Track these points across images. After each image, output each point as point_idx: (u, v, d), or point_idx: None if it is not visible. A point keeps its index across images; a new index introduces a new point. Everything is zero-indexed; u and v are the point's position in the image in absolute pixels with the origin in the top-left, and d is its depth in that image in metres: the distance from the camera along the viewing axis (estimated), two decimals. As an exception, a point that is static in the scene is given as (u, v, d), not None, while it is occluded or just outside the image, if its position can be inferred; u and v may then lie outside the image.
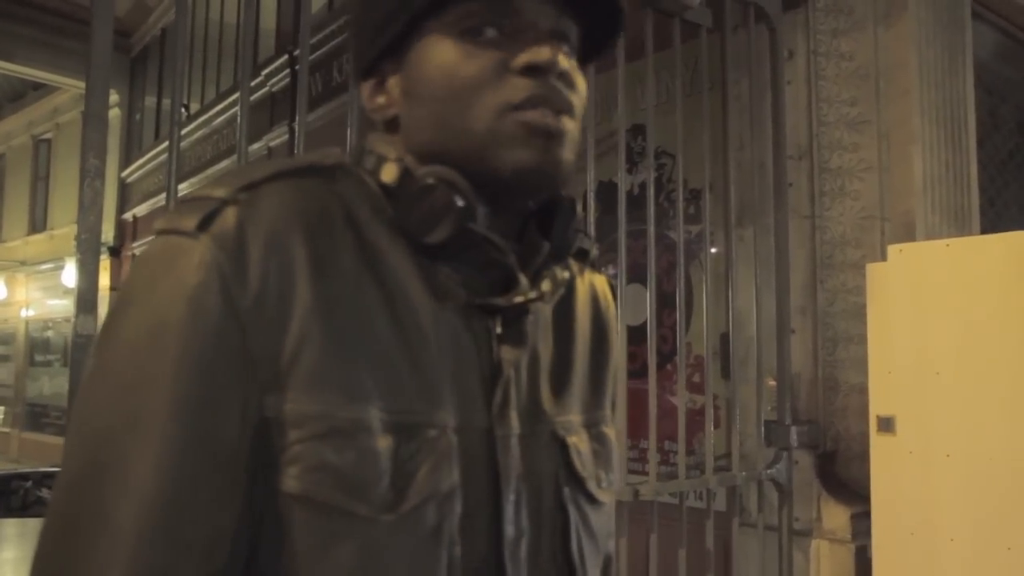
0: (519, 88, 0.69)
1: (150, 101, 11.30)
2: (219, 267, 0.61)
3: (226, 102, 8.50)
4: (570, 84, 0.71)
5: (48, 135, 15.45)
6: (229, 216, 0.63)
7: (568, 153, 0.71)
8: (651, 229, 2.49)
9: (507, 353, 0.71)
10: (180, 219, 0.64)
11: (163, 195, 1.79)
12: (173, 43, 1.91)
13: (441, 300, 0.69)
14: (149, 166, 10.82)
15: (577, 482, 0.75)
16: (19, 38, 10.65)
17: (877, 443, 2.53)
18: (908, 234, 2.99)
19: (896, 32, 3.10)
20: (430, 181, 0.69)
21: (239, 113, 1.91)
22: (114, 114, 11.40)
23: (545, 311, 0.78)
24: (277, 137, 7.33)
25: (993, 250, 2.37)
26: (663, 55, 2.65)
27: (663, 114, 3.08)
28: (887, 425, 2.51)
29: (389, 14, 0.72)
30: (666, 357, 3.51)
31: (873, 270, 2.64)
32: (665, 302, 2.97)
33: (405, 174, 0.70)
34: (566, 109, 0.70)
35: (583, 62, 0.78)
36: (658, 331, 2.62)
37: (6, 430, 15.65)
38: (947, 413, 2.38)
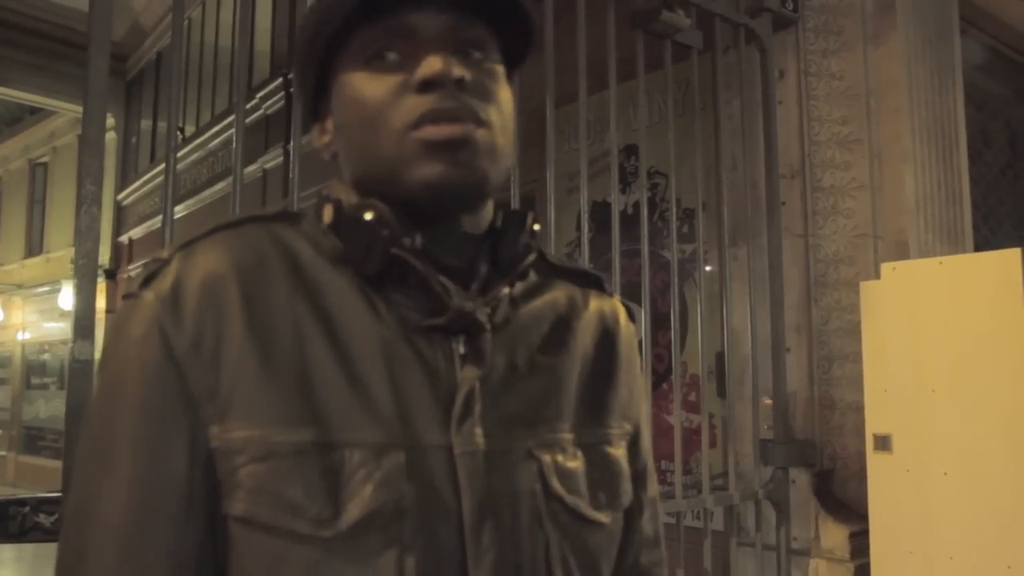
0: (416, 106, 0.70)
1: (146, 124, 11.34)
2: (158, 319, 0.68)
3: (221, 124, 8.53)
4: (478, 91, 0.72)
5: (45, 159, 15.47)
6: (168, 273, 0.70)
7: (481, 159, 0.72)
8: (645, 248, 2.50)
9: (467, 372, 0.72)
10: (132, 283, 0.72)
11: (159, 218, 1.80)
12: (169, 66, 1.92)
13: (388, 326, 0.72)
14: (145, 189, 10.84)
15: (556, 499, 0.74)
16: (14, 62, 10.67)
17: (874, 461, 2.53)
18: (901, 252, 3.00)
19: (885, 51, 3.13)
20: (359, 215, 0.72)
21: (235, 136, 1.92)
22: (110, 137, 11.43)
23: (531, 328, 0.79)
24: (272, 159, 7.36)
25: (987, 267, 2.38)
26: (655, 76, 2.67)
27: (655, 134, 3.10)
28: (884, 443, 2.51)
29: (307, 55, 0.76)
30: (662, 376, 3.51)
31: (867, 288, 2.65)
32: (660, 321, 2.98)
33: (338, 212, 0.74)
34: (470, 117, 0.71)
35: (510, 67, 0.80)
36: (653, 350, 2.62)
37: (2, 453, 15.56)
38: (944, 431, 2.38)
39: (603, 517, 0.77)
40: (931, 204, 3.14)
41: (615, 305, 0.91)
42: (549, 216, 2.27)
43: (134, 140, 11.73)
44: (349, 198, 0.76)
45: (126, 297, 0.72)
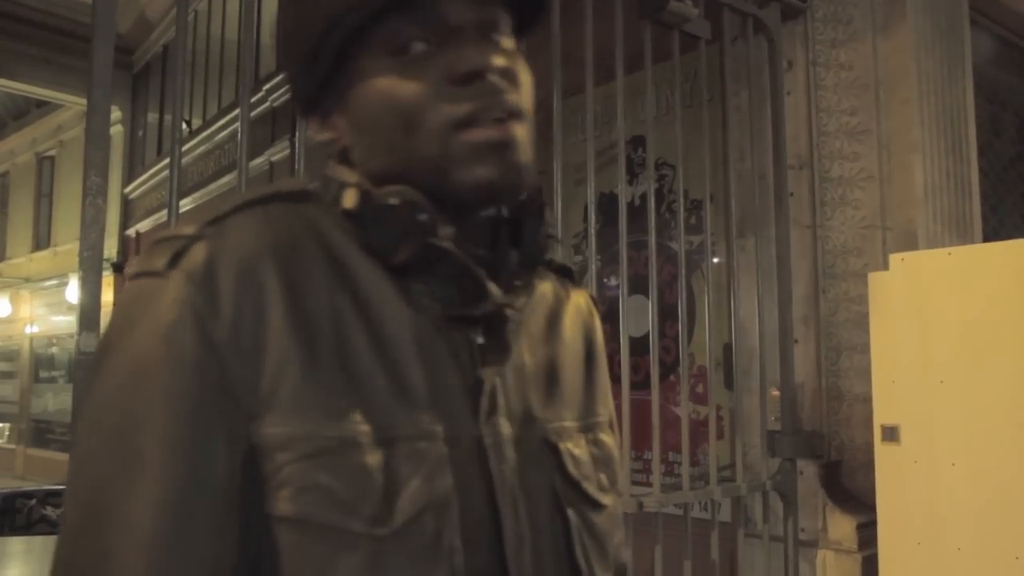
0: (460, 102, 0.68)
1: (152, 117, 11.35)
2: (192, 302, 0.62)
3: (228, 117, 8.53)
4: (511, 79, 0.70)
5: (52, 152, 15.50)
6: (198, 251, 0.64)
7: (523, 157, 0.70)
8: (652, 240, 2.50)
9: (489, 362, 0.72)
10: (150, 260, 0.65)
11: (166, 211, 1.80)
12: (174, 59, 1.92)
13: (419, 314, 0.70)
14: (152, 182, 10.85)
15: (573, 485, 0.75)
16: (21, 56, 10.69)
17: (882, 452, 2.52)
18: (910, 243, 2.99)
19: (895, 42, 3.11)
20: (390, 201, 0.69)
21: (240, 128, 1.92)
22: (117, 131, 11.44)
23: (531, 319, 0.79)
24: (279, 152, 7.36)
25: (995, 258, 2.37)
26: (662, 67, 2.66)
27: (663, 125, 3.09)
28: (892, 434, 2.50)
29: (316, 48, 0.71)
30: (669, 368, 3.50)
31: (875, 279, 2.64)
32: (667, 313, 2.97)
33: (365, 197, 0.70)
34: (512, 112, 0.69)
35: (517, 37, 0.76)
36: (661, 342, 2.62)
37: (11, 447, 15.67)
38: (952, 422, 2.38)
39: (607, 499, 0.79)
40: (940, 195, 3.13)
41: (587, 296, 0.91)
42: (556, 208, 2.26)
43: (141, 133, 11.74)
44: (363, 182, 0.72)
45: (141, 276, 0.65)
